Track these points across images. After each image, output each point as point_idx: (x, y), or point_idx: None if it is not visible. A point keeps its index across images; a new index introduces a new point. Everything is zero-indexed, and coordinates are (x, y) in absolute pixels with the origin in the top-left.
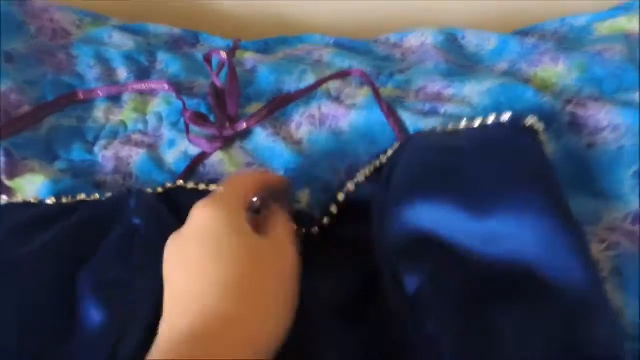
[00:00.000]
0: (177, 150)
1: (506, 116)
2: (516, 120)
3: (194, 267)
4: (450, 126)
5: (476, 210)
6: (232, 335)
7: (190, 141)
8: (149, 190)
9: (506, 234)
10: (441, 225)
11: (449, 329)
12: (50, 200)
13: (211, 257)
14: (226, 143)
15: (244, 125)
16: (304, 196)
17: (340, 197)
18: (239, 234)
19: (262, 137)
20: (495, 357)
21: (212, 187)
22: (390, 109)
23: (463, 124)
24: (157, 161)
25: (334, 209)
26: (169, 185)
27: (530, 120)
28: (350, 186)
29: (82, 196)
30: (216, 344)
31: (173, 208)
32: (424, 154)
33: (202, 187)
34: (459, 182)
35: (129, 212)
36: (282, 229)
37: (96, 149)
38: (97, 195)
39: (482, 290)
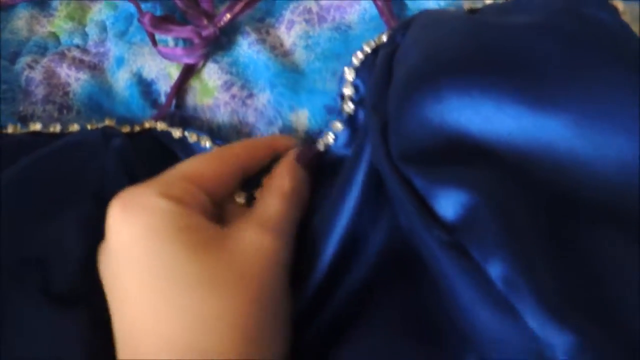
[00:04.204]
0: (128, 70)
1: None
2: None
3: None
4: (466, 5)
5: (543, 101)
6: None
7: (161, 53)
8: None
9: (592, 130)
10: (488, 124)
11: (523, 262)
12: None
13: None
14: (209, 49)
15: (227, 16)
16: (299, 121)
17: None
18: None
19: (243, 47)
20: (599, 297)
21: (191, 135)
22: None
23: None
24: (106, 89)
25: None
26: (146, 124)
27: None
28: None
29: (36, 126)
30: None
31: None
32: (443, 29)
33: (177, 133)
34: (509, 61)
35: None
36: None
37: (17, 67)
38: (58, 127)
39: (560, 208)
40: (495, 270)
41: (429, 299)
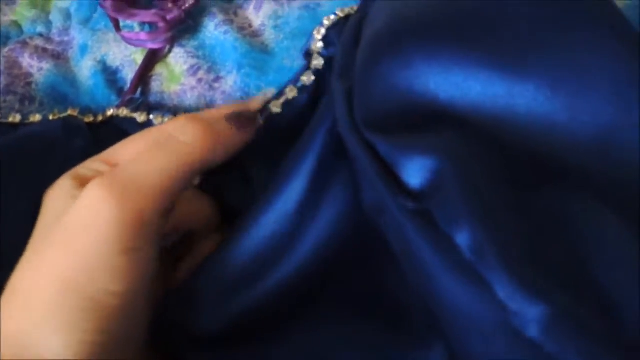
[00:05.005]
0: (92, 58)
1: None
2: None
3: None
4: None
5: (515, 65)
6: None
7: (124, 39)
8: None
9: (567, 94)
10: (458, 90)
11: (490, 228)
12: None
13: None
14: (174, 33)
15: None
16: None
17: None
18: None
19: (209, 29)
20: (570, 263)
21: (156, 118)
22: None
23: None
24: (70, 79)
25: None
26: (108, 112)
27: None
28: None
29: None
30: None
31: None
32: None
33: (141, 117)
34: (479, 24)
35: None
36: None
37: None
38: (18, 117)
39: (532, 173)
40: (462, 238)
41: (391, 280)
